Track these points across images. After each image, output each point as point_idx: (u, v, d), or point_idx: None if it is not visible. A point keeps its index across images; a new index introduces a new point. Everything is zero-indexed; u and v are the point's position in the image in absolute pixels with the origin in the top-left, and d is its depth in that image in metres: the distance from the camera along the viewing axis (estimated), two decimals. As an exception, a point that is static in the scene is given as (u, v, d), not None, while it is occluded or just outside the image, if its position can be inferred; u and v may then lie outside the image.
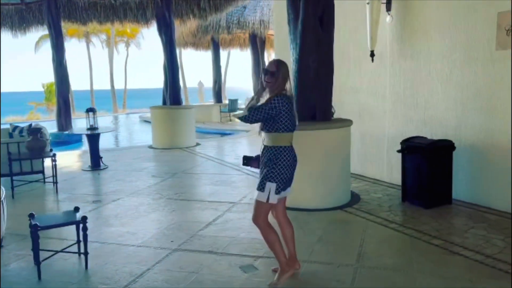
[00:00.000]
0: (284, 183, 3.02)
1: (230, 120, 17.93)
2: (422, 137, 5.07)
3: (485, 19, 4.56)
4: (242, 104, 18.77)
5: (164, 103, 10.60)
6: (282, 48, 8.39)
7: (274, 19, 8.75)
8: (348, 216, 4.63)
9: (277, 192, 2.96)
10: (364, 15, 5.70)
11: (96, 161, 7.77)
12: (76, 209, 3.61)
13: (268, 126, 3.02)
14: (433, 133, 5.19)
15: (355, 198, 5.22)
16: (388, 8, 5.69)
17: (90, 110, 7.83)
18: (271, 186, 2.94)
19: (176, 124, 10.21)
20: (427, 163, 4.69)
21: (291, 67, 5.14)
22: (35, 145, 5.94)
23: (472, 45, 4.73)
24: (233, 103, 17.37)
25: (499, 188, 4.57)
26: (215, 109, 17.59)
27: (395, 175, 5.91)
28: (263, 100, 3.02)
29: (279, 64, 3.03)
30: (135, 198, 5.59)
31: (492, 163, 4.63)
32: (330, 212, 4.76)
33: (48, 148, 6.24)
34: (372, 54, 5.77)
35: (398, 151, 5.02)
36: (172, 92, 10.32)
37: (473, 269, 3.22)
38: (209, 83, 21.30)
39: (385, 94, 5.98)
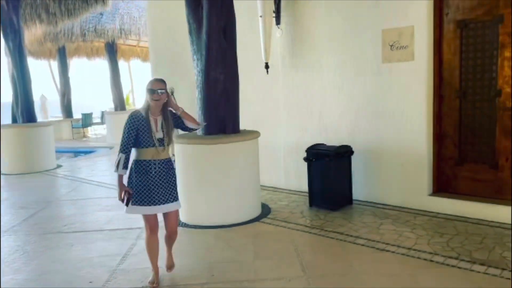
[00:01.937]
0: None
1: (85, 137, 16.41)
2: (322, 144, 5.38)
3: (372, 36, 5.09)
4: (98, 118, 17.38)
5: (15, 120, 9.08)
6: (160, 59, 8.05)
7: (150, 28, 8.31)
8: (269, 227, 4.62)
9: None
10: (258, 29, 5.81)
11: None
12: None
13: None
14: (329, 140, 5.55)
15: (265, 209, 5.24)
16: (278, 22, 5.92)
17: None
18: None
19: (32, 145, 8.84)
20: (332, 168, 5.00)
21: (196, 78, 4.95)
22: None
23: (361, 59, 5.23)
24: (87, 118, 15.92)
25: (391, 185, 5.13)
26: (65, 125, 15.85)
27: (292, 182, 6.16)
28: (160, 117, 3.25)
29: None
30: (14, 236, 4.62)
31: (383, 164, 5.18)
32: (249, 225, 4.68)
33: None
34: (267, 66, 5.92)
35: (304, 159, 5.23)
36: (25, 107, 8.91)
37: (405, 263, 3.52)
38: (53, 96, 19.13)
39: (279, 105, 6.18)
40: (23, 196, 6.65)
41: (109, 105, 22.36)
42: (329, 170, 5.01)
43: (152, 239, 3.29)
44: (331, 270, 3.43)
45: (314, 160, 5.13)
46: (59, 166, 9.28)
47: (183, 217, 4.91)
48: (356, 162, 5.28)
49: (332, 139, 5.54)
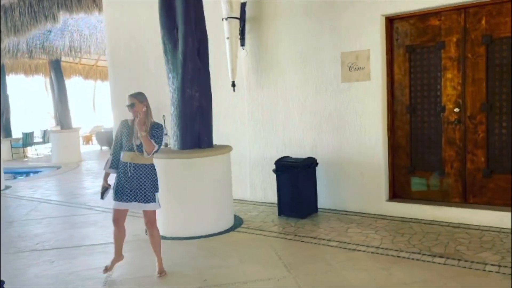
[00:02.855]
0: None
1: (25, 157, 15.64)
2: (288, 157, 5.78)
3: (331, 57, 5.62)
4: (39, 137, 16.67)
5: (-41, 140, 8.62)
6: (120, 77, 8.12)
7: (109, 47, 8.34)
8: (245, 235, 4.89)
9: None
10: (224, 50, 6.15)
11: None
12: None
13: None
14: (293, 153, 5.96)
15: (237, 219, 5.50)
16: (242, 44, 6.30)
17: None
18: (158, 195, 3.81)
19: (-22, 165, 8.44)
20: (300, 179, 5.40)
21: (172, 95, 5.17)
22: None
23: (322, 78, 5.73)
24: (28, 137, 15.24)
25: (352, 193, 5.62)
26: (4, 145, 15.02)
27: (258, 194, 6.48)
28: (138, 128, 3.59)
29: (141, 96, 3.73)
30: (-13, 256, 4.49)
31: (344, 174, 5.66)
32: (226, 235, 4.92)
33: None
34: (233, 84, 6.25)
35: (273, 170, 5.59)
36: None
37: (376, 259, 3.95)
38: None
39: (244, 121, 6.52)
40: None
41: (49, 123, 21.53)
42: (297, 180, 5.40)
43: (116, 231, 3.88)
44: (313, 269, 3.77)
45: (282, 171, 5.49)
46: (7, 187, 8.89)
47: (161, 230, 5.02)
48: (319, 173, 5.72)
49: (297, 152, 5.95)
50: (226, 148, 5.30)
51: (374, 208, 5.45)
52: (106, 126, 20.26)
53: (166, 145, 6.94)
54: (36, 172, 11.72)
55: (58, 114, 13.67)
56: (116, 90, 8.24)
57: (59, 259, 4.36)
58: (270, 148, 6.28)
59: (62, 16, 10.23)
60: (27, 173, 11.78)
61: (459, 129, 4.99)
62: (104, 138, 16.39)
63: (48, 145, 16.76)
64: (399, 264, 3.81)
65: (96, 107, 26.42)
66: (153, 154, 3.70)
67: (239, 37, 6.20)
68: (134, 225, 5.16)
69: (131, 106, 3.64)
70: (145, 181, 3.71)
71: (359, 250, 4.19)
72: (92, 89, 27.59)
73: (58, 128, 14.78)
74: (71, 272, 3.99)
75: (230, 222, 5.26)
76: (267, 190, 6.39)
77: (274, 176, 6.10)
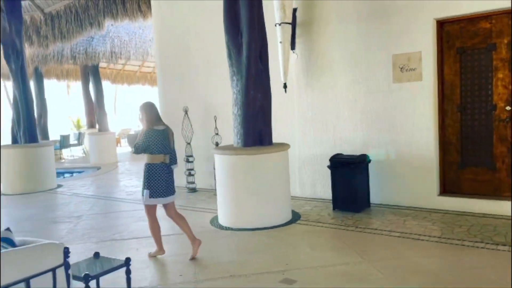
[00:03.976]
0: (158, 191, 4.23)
1: (61, 159, 16.20)
2: (340, 154, 6.08)
3: (382, 59, 5.91)
4: (75, 140, 17.24)
5: (15, 141, 9.12)
6: (168, 80, 8.50)
7: (157, 51, 8.76)
8: (307, 227, 5.20)
9: (151, 196, 4.21)
10: (274, 53, 6.48)
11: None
12: (96, 254, 3.18)
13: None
14: (344, 151, 6.25)
15: (294, 213, 5.81)
16: (293, 47, 6.63)
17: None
18: (145, 192, 4.22)
19: (33, 165, 8.91)
20: (355, 175, 5.69)
21: (235, 97, 5.51)
22: None
23: (373, 79, 6.02)
24: (65, 139, 15.81)
25: (404, 189, 5.89)
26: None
27: (307, 190, 6.79)
28: None
29: (140, 107, 4.34)
30: (75, 245, 4.88)
31: (396, 170, 5.94)
32: (289, 227, 5.24)
33: None
34: (285, 86, 6.58)
35: (328, 167, 5.89)
36: (27, 127, 8.99)
37: (442, 248, 4.22)
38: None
39: (293, 121, 6.84)
40: (48, 213, 6.82)
41: (69, 127, 22.23)
42: (352, 176, 5.70)
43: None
44: (385, 256, 4.07)
45: (337, 168, 5.79)
46: (59, 186, 9.35)
47: (227, 222, 5.39)
48: (370, 169, 6.00)
49: (347, 150, 6.24)
50: (284, 146, 5.62)
51: (425, 202, 5.71)
52: (134, 129, 20.89)
53: (217, 144, 7.32)
54: (79, 172, 12.22)
55: (97, 117, 14.13)
56: (165, 93, 8.64)
57: (141, 247, 4.73)
58: (320, 146, 6.58)
59: (107, 23, 10.68)
60: (71, 173, 12.26)
61: (511, 126, 5.24)
62: (134, 140, 16.88)
63: (81, 147, 17.36)
64: (465, 251, 4.08)
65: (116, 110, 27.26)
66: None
67: (290, 41, 6.53)
68: (199, 218, 5.52)
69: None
70: (143, 178, 4.31)
71: (422, 240, 4.47)
72: (114, 93, 28.38)
73: (95, 130, 15.35)
74: (159, 257, 4.34)
75: (289, 216, 5.58)
76: (316, 186, 6.69)
77: (324, 173, 6.43)
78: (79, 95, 19.88)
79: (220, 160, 5.50)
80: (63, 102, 26.41)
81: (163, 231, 5.22)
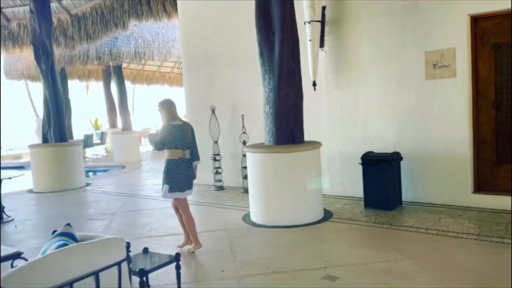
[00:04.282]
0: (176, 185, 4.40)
1: (85, 157, 16.47)
2: (371, 151, 6.06)
3: (414, 56, 5.88)
4: (98, 139, 17.51)
5: (46, 140, 9.32)
6: (195, 79, 8.58)
7: (184, 51, 8.85)
8: (341, 225, 5.20)
9: (170, 191, 4.38)
10: (305, 51, 6.49)
11: (-2, 213, 6.42)
12: (145, 250, 3.25)
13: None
14: (374, 149, 6.24)
15: (326, 211, 5.82)
16: (321, 45, 6.63)
17: (-12, 151, 6.46)
18: (165, 187, 4.39)
19: (63, 164, 9.09)
20: (387, 172, 5.67)
21: (267, 95, 5.53)
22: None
23: (404, 76, 5.99)
24: (89, 139, 16.07)
25: (437, 186, 5.85)
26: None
27: (336, 188, 6.78)
28: None
29: (159, 104, 4.50)
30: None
31: (428, 168, 5.90)
32: (322, 225, 5.26)
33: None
34: (314, 84, 6.59)
35: (360, 164, 5.89)
36: (57, 127, 9.18)
37: (482, 245, 4.20)
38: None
39: (321, 119, 6.85)
40: (82, 210, 6.97)
41: (105, 126, 22.53)
42: (385, 174, 5.68)
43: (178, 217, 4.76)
44: (425, 253, 4.06)
45: (368, 165, 5.78)
46: (88, 184, 9.52)
47: (260, 219, 5.43)
48: (403, 166, 5.97)
49: (377, 148, 6.23)
50: (317, 144, 5.64)
51: (459, 200, 5.66)
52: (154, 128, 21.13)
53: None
54: (104, 171, 12.42)
55: (121, 117, 14.32)
56: (191, 92, 8.72)
57: (178, 243, 4.80)
58: (349, 144, 6.58)
59: (131, 23, 10.82)
60: (94, 172, 12.47)
61: (549, 122, 5.16)
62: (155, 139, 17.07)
63: (104, 146, 17.64)
64: (506, 249, 4.04)
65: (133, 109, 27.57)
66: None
67: (319, 39, 6.53)
68: (230, 216, 5.58)
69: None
70: (163, 174, 4.47)
71: (461, 237, 4.44)
72: (132, 93, 28.69)
73: (116, 130, 15.57)
74: (197, 254, 4.41)
75: (321, 213, 5.59)
76: (345, 184, 6.69)
77: (353, 170, 6.43)
78: (97, 95, 20.27)
79: (252, 158, 5.54)
80: (81, 103, 26.83)
81: (197, 228, 5.29)
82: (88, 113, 25.41)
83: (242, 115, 7.51)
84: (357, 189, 6.49)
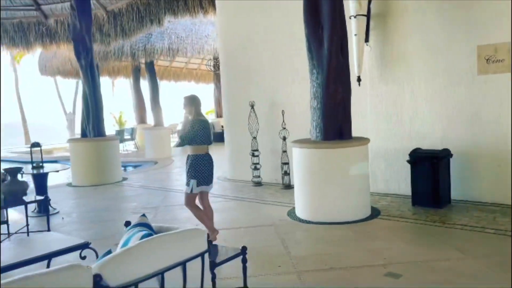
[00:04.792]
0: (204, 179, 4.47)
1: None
2: (419, 148, 5.93)
3: (465, 51, 5.72)
4: (128, 135, 17.75)
5: (84, 135, 9.48)
6: (233, 75, 8.57)
7: (222, 47, 8.86)
8: (391, 223, 5.11)
9: (198, 185, 4.43)
10: (350, 45, 6.39)
11: (44, 205, 6.54)
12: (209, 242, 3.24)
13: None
14: (420, 145, 6.09)
15: (373, 208, 5.72)
16: (366, 40, 6.52)
17: (35, 145, 6.61)
18: (193, 182, 4.42)
19: (102, 158, 9.23)
20: (437, 170, 5.54)
21: (315, 90, 5.47)
22: (15, 189, 4.80)
23: (454, 71, 5.84)
24: (120, 134, 16.29)
25: (487, 184, 5.69)
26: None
27: (380, 185, 6.67)
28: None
29: (187, 99, 4.56)
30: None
31: (480, 165, 5.74)
32: (371, 222, 5.18)
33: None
34: (359, 79, 6.49)
35: (408, 161, 5.77)
36: (96, 122, 9.32)
37: (545, 244, 4.06)
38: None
39: (365, 114, 6.74)
40: (121, 204, 7.06)
41: (129, 122, 22.87)
42: (434, 171, 5.55)
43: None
44: (488, 253, 3.94)
45: (417, 162, 5.66)
46: (124, 179, 9.64)
47: (306, 215, 5.38)
48: (452, 163, 5.83)
49: (424, 144, 6.08)
50: (365, 140, 5.55)
51: (512, 199, 5.49)
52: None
53: (284, 138, 7.33)
54: (136, 166, 12.56)
55: (153, 113, 14.46)
56: (230, 88, 8.72)
57: (229, 238, 4.80)
58: (393, 140, 6.46)
59: (167, 19, 10.89)
60: (125, 167, 12.59)
61: None
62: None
63: (133, 141, 17.85)
64: None
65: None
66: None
67: (364, 33, 6.43)
68: (274, 211, 5.56)
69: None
70: (187, 168, 4.48)
71: (521, 237, 4.30)
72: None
73: (145, 125, 15.74)
74: (252, 248, 4.39)
75: (368, 211, 5.50)
76: (389, 181, 6.57)
77: (398, 167, 6.32)
78: (122, 92, 20.53)
79: (299, 154, 5.49)
80: (106, 99, 27.24)
81: (240, 225, 5.29)
82: (112, 110, 25.83)
83: (283, 110, 7.47)
84: (402, 186, 6.37)
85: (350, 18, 6.29)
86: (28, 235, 5.30)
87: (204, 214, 4.66)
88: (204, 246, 2.36)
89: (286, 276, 3.65)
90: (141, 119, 18.36)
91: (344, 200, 5.27)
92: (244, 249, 3.11)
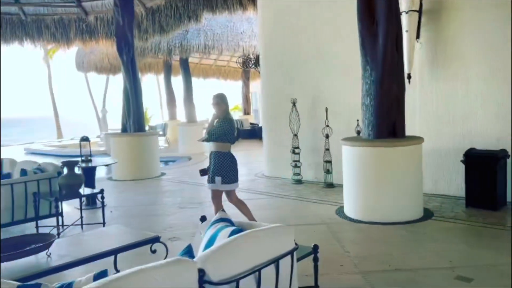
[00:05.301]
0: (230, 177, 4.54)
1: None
2: (473, 148, 5.75)
3: (525, 48, 5.51)
4: (160, 130, 17.95)
5: (125, 130, 9.61)
6: (273, 72, 8.52)
7: (261, 44, 8.82)
8: (447, 224, 4.97)
9: (223, 182, 4.49)
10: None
11: (92, 198, 6.66)
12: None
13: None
14: (474, 145, 5.91)
15: (425, 209, 5.58)
16: (417, 36, 6.36)
17: (85, 139, 6.73)
18: (218, 179, 4.49)
19: (142, 153, 9.34)
20: (495, 171, 5.36)
21: (368, 87, 5.36)
22: (73, 181, 4.88)
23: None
24: (153, 130, 16.48)
25: (546, 187, 5.47)
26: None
27: (428, 185, 6.49)
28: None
29: (217, 96, 4.63)
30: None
31: (538, 167, 5.53)
32: (426, 223, 5.05)
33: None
34: (409, 77, 6.34)
35: (462, 161, 5.60)
36: (137, 118, 9.43)
37: None
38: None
39: (414, 112, 6.58)
40: (165, 198, 7.12)
41: (164, 118, 23.12)
42: (491, 172, 5.37)
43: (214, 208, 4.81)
44: (558, 257, 3.78)
45: (472, 162, 5.48)
46: (163, 174, 9.72)
47: (357, 214, 5.29)
48: (509, 165, 5.63)
49: (478, 144, 5.89)
50: (419, 139, 5.41)
51: None
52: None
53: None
54: (172, 162, 12.67)
55: (185, 109, 14.56)
56: (269, 85, 8.68)
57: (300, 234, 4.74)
58: (445, 140, 6.29)
59: (205, 16, 10.92)
60: (166, 162, 12.73)
61: None
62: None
63: (165, 137, 18.03)
64: None
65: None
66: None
67: (416, 30, 6.28)
68: (319, 210, 5.50)
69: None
70: (212, 166, 4.53)
71: None
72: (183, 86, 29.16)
73: (176, 121, 15.85)
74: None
75: (421, 212, 5.37)
76: (439, 182, 6.41)
77: (449, 168, 6.18)
78: (148, 88, 20.72)
79: (350, 152, 5.41)
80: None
81: (290, 223, 5.23)
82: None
83: (326, 108, 7.37)
84: (452, 187, 6.22)
85: (401, 14, 6.14)
86: (82, 228, 5.42)
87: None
88: (292, 243, 2.32)
89: (350, 276, 3.59)
90: (172, 115, 18.55)
91: (397, 200, 5.16)
92: (316, 247, 3.06)
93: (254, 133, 18.04)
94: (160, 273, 1.69)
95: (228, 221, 2.56)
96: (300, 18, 7.96)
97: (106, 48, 13.15)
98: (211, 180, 4.56)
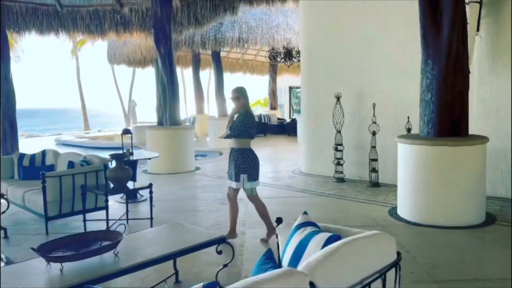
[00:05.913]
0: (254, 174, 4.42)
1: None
2: (539, 149, 5.38)
3: None
4: (187, 123, 17.88)
5: (161, 123, 9.49)
6: (315, 66, 8.24)
7: (303, 38, 8.55)
8: (516, 229, 4.65)
9: (249, 180, 4.35)
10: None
11: (133, 192, 6.54)
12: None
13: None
14: (538, 146, 5.54)
15: (486, 213, 5.24)
16: (477, 29, 5.99)
17: (126, 132, 6.60)
18: (243, 176, 4.34)
19: (178, 147, 9.21)
20: None
21: (429, 81, 5.04)
22: (121, 175, 4.74)
23: None
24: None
25: None
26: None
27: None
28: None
29: (237, 91, 4.40)
30: (263, 228, 4.82)
31: None
32: (491, 228, 4.77)
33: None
34: (468, 72, 5.97)
35: (528, 164, 5.25)
36: (172, 111, 9.29)
37: None
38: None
39: (472, 109, 6.19)
40: (205, 193, 6.97)
41: (188, 112, 23.08)
42: (561, 175, 5.00)
43: (229, 206, 4.70)
44: None
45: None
46: (197, 168, 9.58)
47: (415, 217, 5.00)
48: None
49: (543, 145, 5.53)
50: (484, 139, 5.07)
51: None
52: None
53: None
54: (202, 156, 12.52)
55: (217, 103, 14.41)
56: (311, 80, 8.40)
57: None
58: (505, 139, 5.92)
59: (242, 8, 10.68)
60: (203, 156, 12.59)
61: None
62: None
63: (193, 131, 17.93)
64: None
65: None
66: (225, 137, 4.45)
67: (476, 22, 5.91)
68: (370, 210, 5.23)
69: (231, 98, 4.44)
70: (234, 163, 4.33)
71: None
72: (207, 80, 29.05)
73: (202, 115, 15.70)
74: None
75: (483, 216, 5.04)
76: (496, 184, 6.06)
77: (507, 168, 5.79)
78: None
79: (407, 150, 5.11)
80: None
81: (343, 224, 5.00)
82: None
83: (374, 103, 7.06)
84: (510, 189, 5.85)
85: (462, 5, 5.79)
86: (127, 222, 5.29)
87: (237, 211, 4.69)
88: (394, 254, 2.08)
89: (425, 285, 3.32)
90: (200, 109, 18.44)
91: (460, 203, 4.85)
92: (398, 254, 2.81)
93: (283, 129, 17.77)
94: (275, 285, 1.48)
95: (315, 225, 2.34)
96: (347, 11, 7.64)
97: (140, 40, 13.08)
98: (236, 178, 4.37)
